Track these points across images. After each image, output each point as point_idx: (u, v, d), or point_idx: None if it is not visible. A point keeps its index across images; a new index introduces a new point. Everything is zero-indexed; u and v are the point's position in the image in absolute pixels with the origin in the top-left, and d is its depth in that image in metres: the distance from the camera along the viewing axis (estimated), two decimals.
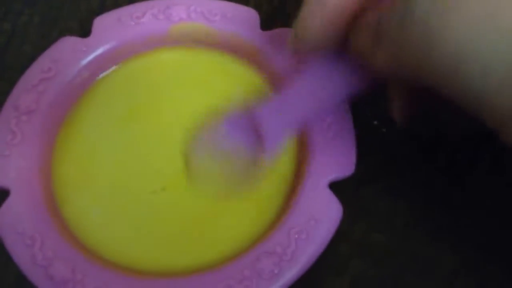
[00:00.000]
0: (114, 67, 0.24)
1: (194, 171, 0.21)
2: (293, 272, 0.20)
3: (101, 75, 0.24)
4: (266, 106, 0.21)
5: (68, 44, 0.24)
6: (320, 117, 0.22)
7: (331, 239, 0.20)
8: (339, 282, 0.21)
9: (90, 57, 0.23)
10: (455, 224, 0.22)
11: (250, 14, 0.24)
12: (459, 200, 0.22)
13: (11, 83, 0.23)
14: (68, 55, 0.23)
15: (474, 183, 0.23)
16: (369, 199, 0.23)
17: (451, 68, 0.15)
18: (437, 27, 0.15)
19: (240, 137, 0.21)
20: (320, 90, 0.20)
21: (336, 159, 0.21)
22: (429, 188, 0.23)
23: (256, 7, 0.25)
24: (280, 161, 0.22)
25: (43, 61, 0.23)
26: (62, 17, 0.28)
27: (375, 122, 0.24)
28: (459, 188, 0.23)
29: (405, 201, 0.23)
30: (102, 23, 0.24)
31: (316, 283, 0.21)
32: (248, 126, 0.21)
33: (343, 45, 0.19)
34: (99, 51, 0.24)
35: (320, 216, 0.20)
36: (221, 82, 0.24)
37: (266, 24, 0.24)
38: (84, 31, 0.24)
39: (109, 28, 0.24)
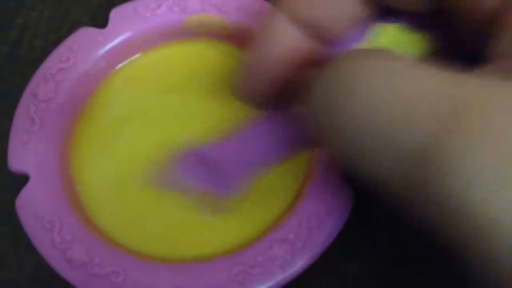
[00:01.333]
0: (130, 58, 0.25)
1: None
2: (305, 259, 0.20)
3: (118, 66, 0.25)
4: (221, 145, 0.21)
5: (85, 34, 0.24)
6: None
7: (343, 226, 0.21)
8: (349, 268, 0.22)
9: (107, 47, 0.24)
10: None
11: (263, 6, 0.25)
12: None
13: (24, 76, 0.24)
14: (86, 45, 0.24)
15: None
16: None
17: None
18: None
19: (196, 174, 0.22)
20: (268, 141, 0.21)
21: None
22: None
23: None
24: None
25: (62, 51, 0.24)
26: (73, 11, 0.28)
27: None
28: None
29: None
30: (119, 14, 0.24)
31: (327, 268, 0.22)
32: (205, 163, 0.22)
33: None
34: (116, 41, 0.24)
35: (332, 204, 0.21)
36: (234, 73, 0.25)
37: None
38: (95, 25, 0.25)
39: (126, 19, 0.24)
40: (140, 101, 0.24)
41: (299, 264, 0.20)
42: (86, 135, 0.23)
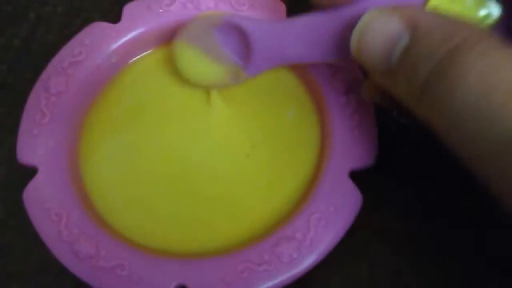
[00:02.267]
0: (142, 54, 0.25)
1: (181, 59, 0.23)
2: (311, 257, 0.20)
3: (130, 61, 0.25)
4: (261, 27, 0.21)
5: (98, 29, 0.24)
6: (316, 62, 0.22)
7: (350, 227, 0.21)
8: (357, 268, 0.22)
9: (119, 42, 0.24)
10: (475, 213, 0.22)
11: (276, 4, 0.25)
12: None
13: (36, 70, 0.24)
14: (98, 40, 0.24)
15: None
16: (388, 189, 0.23)
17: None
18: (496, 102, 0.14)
19: (229, 44, 0.22)
20: (314, 38, 0.20)
21: (357, 149, 0.22)
22: (449, 178, 0.23)
23: None
24: (302, 149, 0.23)
25: (74, 45, 0.24)
26: (85, 7, 0.28)
27: (395, 113, 0.24)
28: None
29: (424, 191, 0.23)
30: (132, 10, 0.25)
31: (334, 268, 0.21)
32: (239, 38, 0.21)
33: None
34: (128, 36, 0.24)
35: (340, 204, 0.21)
36: None
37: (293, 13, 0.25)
38: (107, 21, 0.25)
39: (139, 14, 0.24)
40: (151, 97, 0.24)
41: (306, 263, 0.20)
42: (96, 129, 0.23)
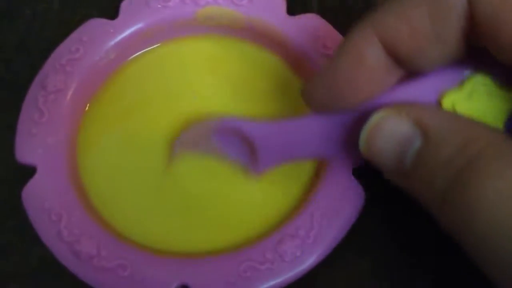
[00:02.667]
0: (140, 51, 0.25)
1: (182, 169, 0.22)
2: (315, 255, 0.20)
3: (128, 58, 0.24)
4: (265, 129, 0.21)
5: (96, 25, 0.24)
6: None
7: (354, 223, 0.21)
8: (362, 264, 0.21)
9: (117, 39, 0.24)
10: None
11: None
12: None
13: (32, 67, 0.23)
14: (96, 36, 0.23)
15: None
16: (392, 185, 0.23)
17: None
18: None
19: (230, 146, 0.21)
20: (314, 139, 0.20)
21: None
22: None
23: None
24: None
25: (72, 42, 0.23)
26: (82, 3, 0.28)
27: None
28: None
29: None
30: (130, 5, 0.24)
31: (338, 265, 0.21)
32: (242, 139, 0.21)
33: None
34: (126, 33, 0.24)
35: (343, 201, 0.21)
36: (244, 68, 0.24)
37: (293, 9, 0.25)
38: (104, 17, 0.24)
39: (137, 10, 0.24)
40: (149, 94, 0.24)
41: (309, 261, 0.20)
42: (95, 127, 0.23)
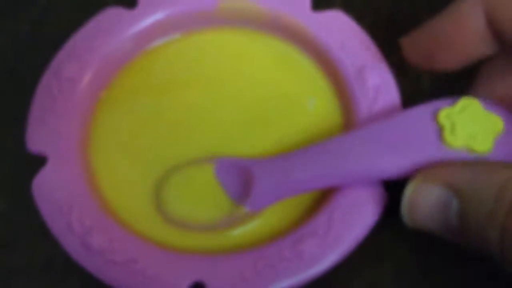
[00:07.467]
0: (159, 41, 0.24)
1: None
2: (334, 255, 0.19)
3: (145, 48, 0.24)
4: (262, 164, 0.20)
5: (113, 14, 0.23)
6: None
7: (375, 225, 0.20)
8: (382, 269, 0.21)
9: (135, 29, 0.23)
10: None
11: None
12: None
13: (45, 57, 0.23)
14: (113, 25, 0.23)
15: None
16: None
17: None
18: None
19: (228, 183, 0.21)
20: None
21: None
22: None
23: None
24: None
25: (88, 30, 0.23)
26: None
27: None
28: None
29: None
30: None
31: (357, 268, 0.21)
32: (239, 176, 0.21)
33: None
34: (145, 23, 0.23)
35: (364, 201, 0.20)
36: (264, 63, 0.24)
37: (318, 5, 0.24)
38: (121, 6, 0.24)
39: (156, 1, 0.23)
40: (166, 86, 0.23)
41: (328, 261, 0.19)
42: (109, 117, 0.23)
